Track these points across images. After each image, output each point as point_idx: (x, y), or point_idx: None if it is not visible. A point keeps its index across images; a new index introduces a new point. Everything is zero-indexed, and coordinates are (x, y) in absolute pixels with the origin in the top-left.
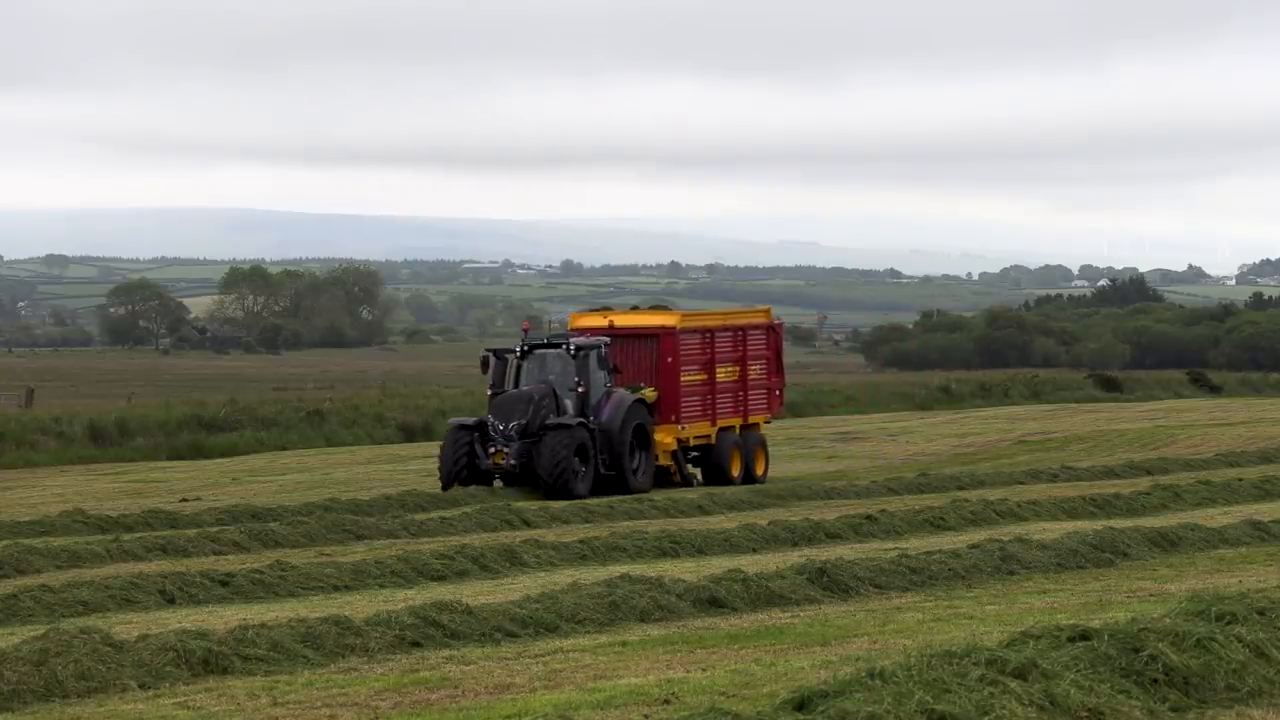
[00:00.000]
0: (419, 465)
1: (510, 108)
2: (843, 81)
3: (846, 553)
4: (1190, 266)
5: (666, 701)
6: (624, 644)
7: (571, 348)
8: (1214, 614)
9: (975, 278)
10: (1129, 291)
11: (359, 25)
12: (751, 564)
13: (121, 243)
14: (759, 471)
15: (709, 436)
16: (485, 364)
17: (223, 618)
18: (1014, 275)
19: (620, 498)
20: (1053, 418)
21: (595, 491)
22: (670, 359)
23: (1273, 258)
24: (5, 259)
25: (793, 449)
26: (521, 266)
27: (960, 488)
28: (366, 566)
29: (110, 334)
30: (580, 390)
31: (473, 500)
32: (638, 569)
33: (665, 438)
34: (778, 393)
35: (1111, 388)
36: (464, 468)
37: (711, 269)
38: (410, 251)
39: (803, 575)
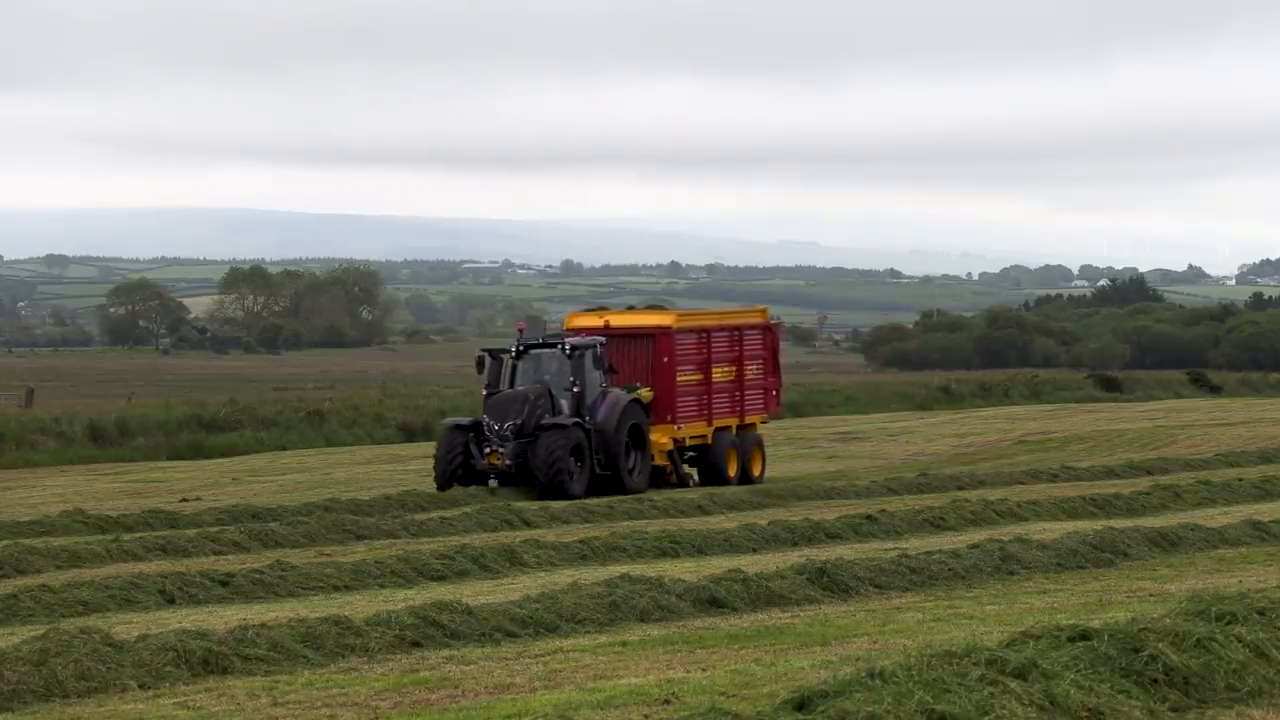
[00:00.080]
0: (419, 465)
1: (510, 108)
2: (843, 81)
3: (846, 553)
4: (1190, 266)
5: (666, 701)
6: (624, 644)
7: (567, 348)
8: (1214, 614)
9: (975, 278)
10: (1129, 291)
11: (359, 25)
12: (751, 564)
13: (121, 243)
14: (756, 472)
15: (705, 437)
16: (480, 364)
17: (223, 618)
18: (1014, 275)
19: (620, 498)
20: (1053, 418)
21: (591, 492)
22: (666, 359)
23: (1273, 258)
24: (5, 259)
25: (793, 449)
26: (521, 266)
27: (960, 488)
28: (366, 566)
29: (110, 334)
30: (576, 390)
31: (473, 500)
32: (638, 569)
33: (661, 438)
34: (775, 393)
35: (1111, 388)
36: (459, 468)
37: (711, 269)
38: (410, 251)
39: (803, 575)
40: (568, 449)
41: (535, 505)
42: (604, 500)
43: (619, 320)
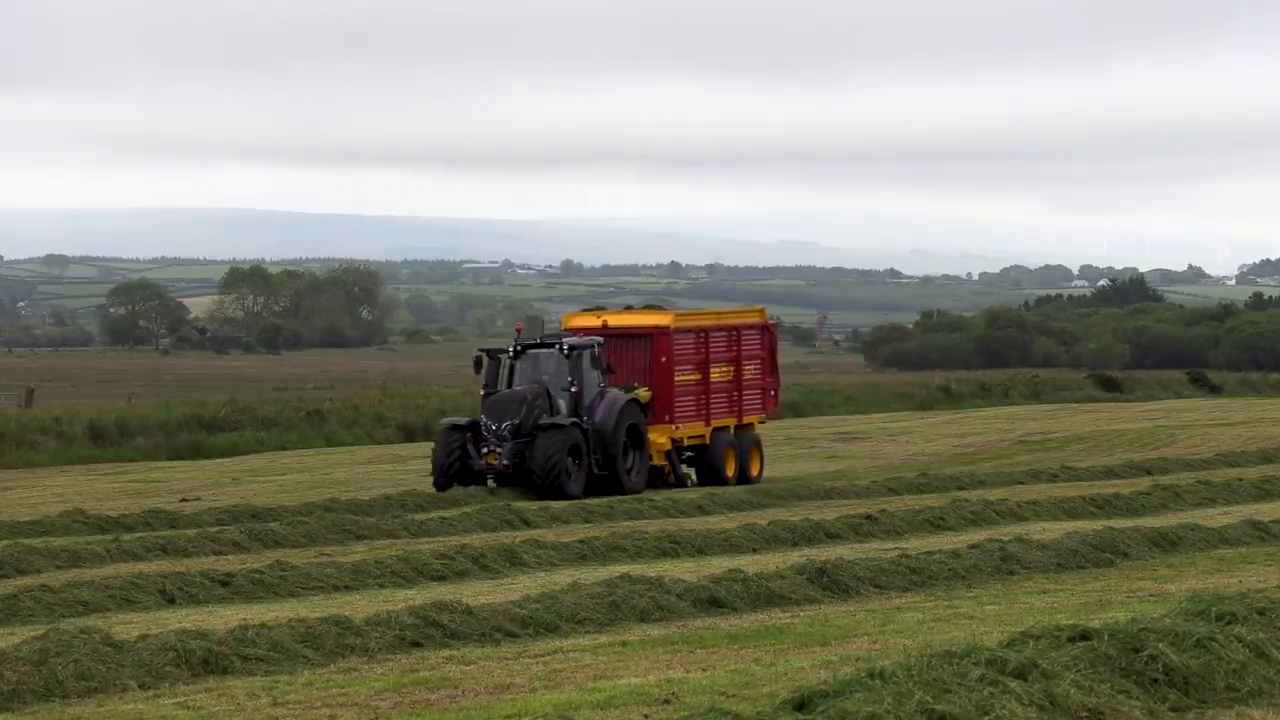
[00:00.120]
0: (419, 465)
1: (510, 108)
2: (843, 81)
3: (846, 553)
4: (1190, 266)
5: (666, 701)
6: (624, 644)
7: (565, 348)
8: (1214, 614)
9: (975, 278)
10: (1129, 291)
11: (359, 25)
12: (751, 564)
13: (121, 243)
14: (754, 472)
15: (703, 437)
16: (478, 364)
17: (223, 618)
18: (1014, 275)
19: (620, 498)
20: (1053, 418)
21: (588, 492)
22: (664, 359)
23: (1273, 258)
24: (5, 259)
25: (793, 449)
26: (521, 266)
27: (960, 488)
28: (366, 566)
29: (110, 334)
30: (573, 390)
31: (473, 500)
32: (638, 569)
33: (659, 438)
34: (772, 393)
35: (1111, 388)
36: (456, 468)
37: (711, 269)
38: (410, 251)
39: (803, 575)
40: (565, 449)
41: (535, 505)
42: (604, 500)
43: (617, 320)
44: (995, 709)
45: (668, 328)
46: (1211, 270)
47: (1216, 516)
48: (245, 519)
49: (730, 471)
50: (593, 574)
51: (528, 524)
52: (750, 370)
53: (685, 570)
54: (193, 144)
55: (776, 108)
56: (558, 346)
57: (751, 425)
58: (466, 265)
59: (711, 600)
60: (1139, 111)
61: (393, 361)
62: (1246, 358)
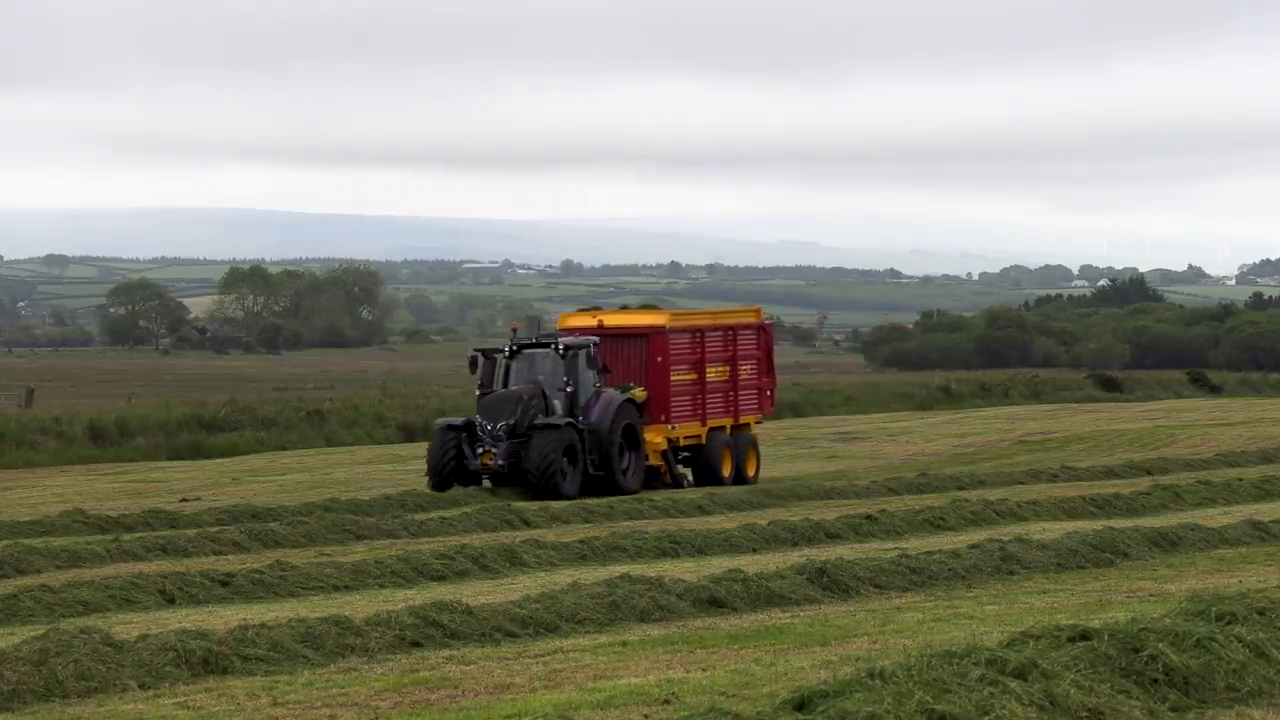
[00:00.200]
0: (419, 465)
1: (510, 108)
2: (843, 81)
3: (846, 553)
4: (1190, 266)
5: (666, 701)
6: (624, 644)
7: (560, 347)
8: (1214, 614)
9: (975, 278)
10: (1129, 291)
11: (359, 25)
12: (751, 564)
13: (121, 243)
14: (750, 472)
15: (699, 437)
16: (474, 364)
17: (223, 618)
18: (1014, 275)
19: (620, 498)
20: (1053, 418)
21: (584, 492)
22: (660, 359)
23: (1273, 258)
24: (5, 259)
25: (793, 449)
26: (521, 266)
27: (960, 488)
28: (366, 566)
29: (110, 334)
30: (569, 390)
31: (473, 500)
32: (638, 569)
33: (655, 438)
34: (769, 393)
35: (1111, 388)
36: (452, 468)
37: (711, 269)
38: (410, 251)
39: (803, 575)
40: (561, 449)
41: (535, 505)
42: (604, 500)
43: (613, 320)
44: (995, 709)
45: (663, 327)
46: (1211, 270)
47: (1216, 516)
48: (245, 519)
49: (726, 472)
50: (593, 574)
51: (528, 524)
52: (746, 370)
53: (685, 570)
54: (193, 144)
55: (776, 108)
56: (553, 346)
57: (748, 425)
58: (466, 265)
59: (711, 600)
60: (1139, 111)
61: (393, 361)
62: (1246, 358)
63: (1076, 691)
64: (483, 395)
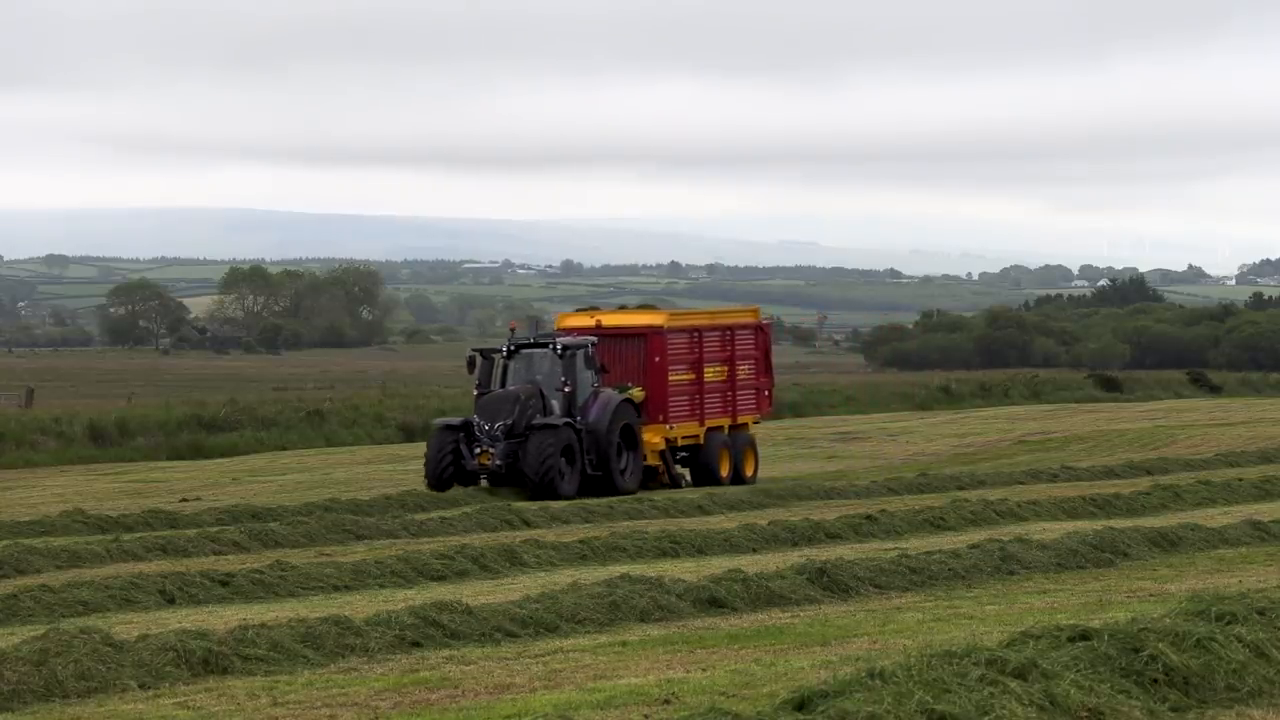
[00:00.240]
0: (419, 465)
1: (510, 108)
2: (843, 81)
3: (846, 553)
4: (1190, 266)
5: (666, 701)
6: (624, 644)
7: (558, 347)
8: (1214, 614)
9: (975, 278)
10: (1129, 291)
11: (359, 25)
12: (751, 564)
13: (121, 243)
14: (748, 472)
15: (697, 437)
16: (471, 364)
17: (223, 618)
18: (1014, 275)
19: (620, 498)
20: (1053, 418)
21: (582, 493)
22: (658, 359)
23: (1273, 258)
24: (5, 259)
25: (793, 449)
26: (521, 266)
27: (960, 488)
28: (366, 566)
29: (110, 334)
30: (567, 390)
31: (472, 500)
32: (638, 569)
33: (653, 438)
34: (766, 393)
35: (1111, 388)
36: (449, 468)
37: (711, 269)
38: (410, 251)
39: (803, 575)
40: (559, 449)
41: (535, 505)
42: (604, 500)
43: (611, 320)
44: (995, 709)
45: (661, 327)
46: (1211, 270)
47: (1216, 516)
48: (245, 519)
49: (724, 472)
50: (593, 574)
51: (528, 524)
52: (744, 370)
53: (685, 570)
54: (193, 144)
55: (776, 108)
56: (551, 346)
57: (746, 425)
58: (466, 265)
59: (711, 600)
60: (1139, 111)
61: (393, 361)
62: (1246, 358)
63: (1076, 691)
64: (480, 395)
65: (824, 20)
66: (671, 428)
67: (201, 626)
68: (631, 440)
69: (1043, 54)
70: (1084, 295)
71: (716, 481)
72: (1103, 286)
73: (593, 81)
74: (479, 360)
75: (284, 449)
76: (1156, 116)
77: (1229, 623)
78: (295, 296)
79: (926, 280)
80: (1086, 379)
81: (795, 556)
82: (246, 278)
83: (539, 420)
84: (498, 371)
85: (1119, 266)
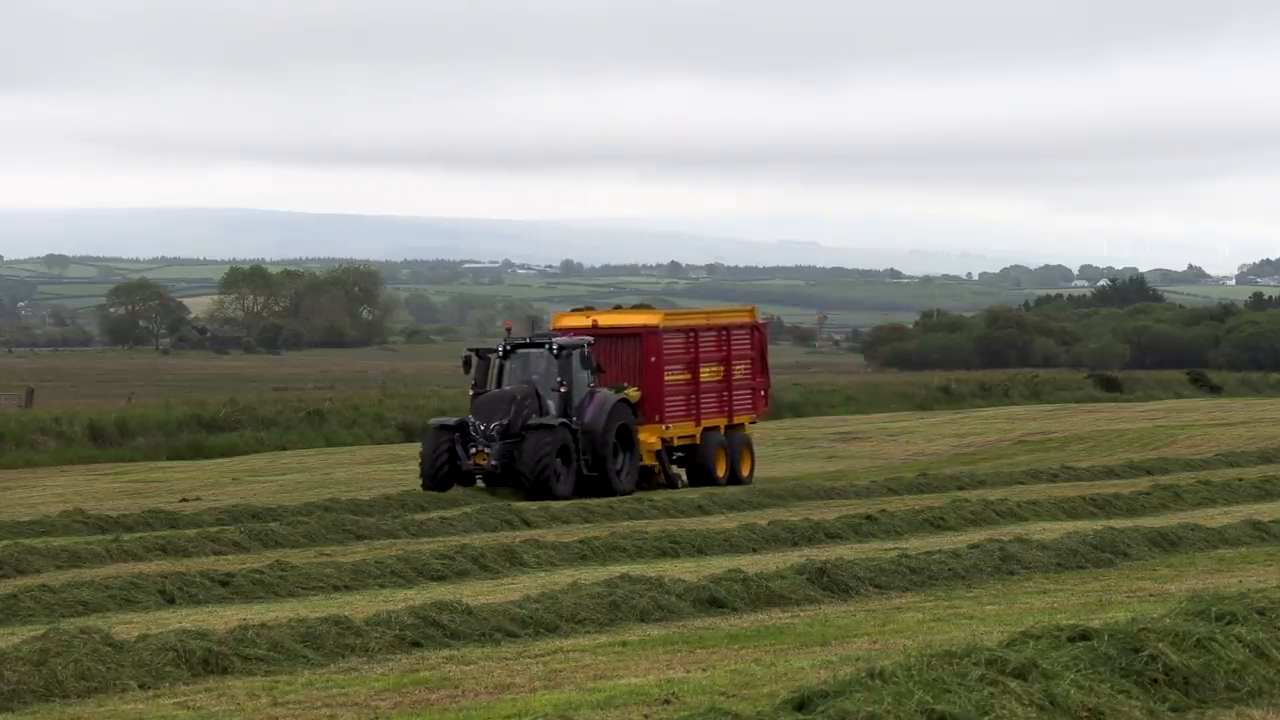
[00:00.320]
0: (418, 465)
1: (510, 108)
2: (843, 81)
3: (846, 553)
4: (1190, 266)
5: (666, 701)
6: (624, 644)
7: (554, 347)
8: (1214, 614)
9: (975, 278)
10: (1129, 291)
11: (359, 25)
12: (751, 564)
13: (121, 243)
14: (745, 472)
15: (694, 437)
16: (467, 364)
17: (223, 618)
18: (1014, 275)
19: (620, 498)
20: (1053, 418)
21: (578, 493)
22: (654, 358)
23: (1273, 258)
24: (5, 259)
25: (793, 449)
26: (521, 266)
27: (960, 488)
28: (366, 566)
29: (110, 334)
30: (563, 390)
31: (472, 500)
32: (638, 569)
33: (649, 438)
34: (763, 393)
35: (1111, 388)
36: (445, 469)
37: (711, 269)
38: (410, 251)
39: (803, 575)
40: (554, 450)
41: (535, 505)
42: (604, 500)
43: (607, 320)
44: (995, 709)
45: (657, 327)
46: (1211, 270)
47: (1216, 516)
48: (245, 519)
49: (721, 472)
50: (593, 574)
51: (528, 524)
52: (740, 370)
53: (685, 570)
54: (193, 144)
55: (776, 108)
56: (547, 346)
57: (742, 425)
58: (466, 265)
59: (711, 600)
60: (1139, 111)
61: (393, 361)
62: (1246, 358)
63: (1076, 691)
64: (476, 395)
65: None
66: (667, 428)
67: (201, 626)
68: (628, 440)
69: (1043, 54)
70: (1084, 295)
71: (713, 481)
72: (1103, 286)
73: (593, 81)
74: (475, 360)
75: (284, 449)
76: (1156, 116)
77: (1229, 623)
78: (295, 296)
79: (926, 280)
80: (1086, 379)
81: (795, 556)
82: (246, 278)
83: (535, 420)
84: (494, 371)
85: (1119, 266)
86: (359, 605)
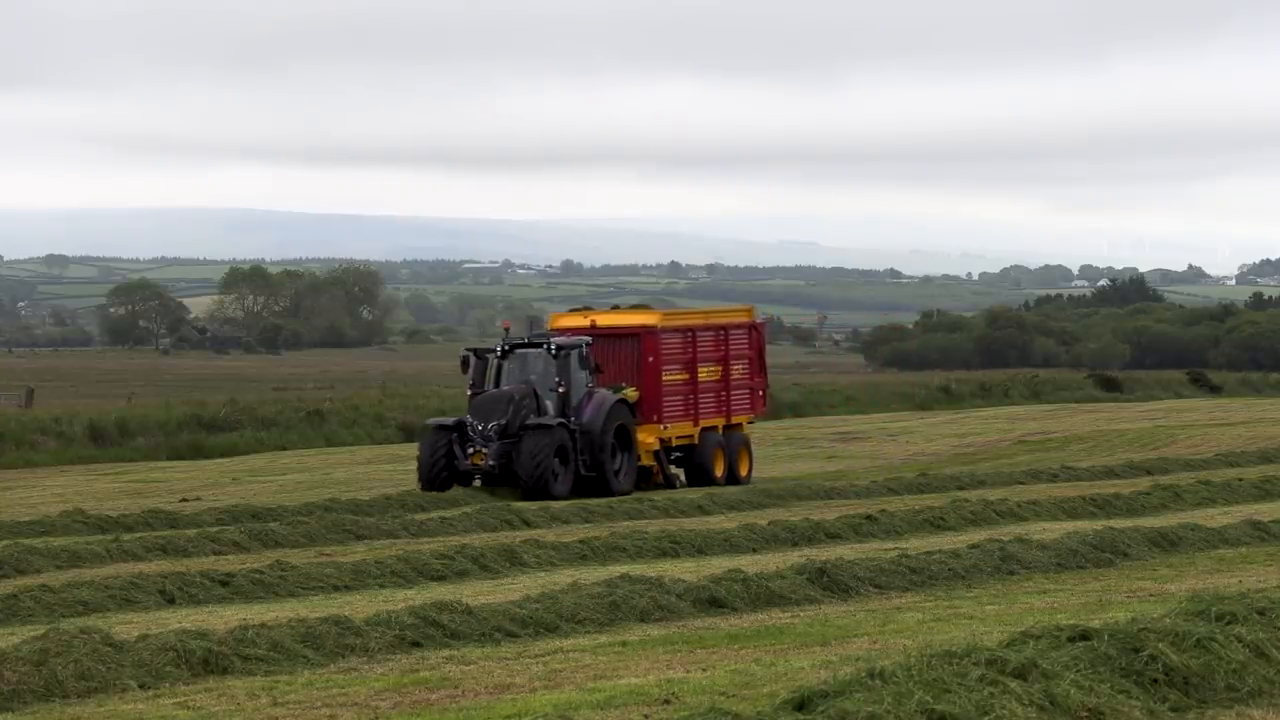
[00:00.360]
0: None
1: (510, 108)
2: (843, 81)
3: (846, 553)
4: (1190, 266)
5: (666, 701)
6: (624, 644)
7: (552, 347)
8: (1214, 614)
9: (975, 278)
10: (1129, 291)
11: (359, 25)
12: (751, 564)
13: (121, 243)
14: (743, 472)
15: (692, 436)
16: (465, 364)
17: (223, 618)
18: (1014, 275)
19: (620, 498)
20: (1053, 418)
21: (576, 493)
22: (652, 358)
23: (1273, 258)
24: (5, 259)
25: (793, 449)
26: (521, 266)
27: (960, 488)
28: (366, 566)
29: (110, 334)
30: (561, 390)
31: (472, 500)
32: (638, 569)
33: (647, 438)
34: (761, 393)
35: (1111, 388)
36: (442, 469)
37: (711, 269)
38: (410, 251)
39: (803, 575)
40: (552, 450)
41: (535, 505)
42: (604, 500)
43: (605, 320)
44: (995, 709)
45: (655, 327)
46: (1211, 270)
47: (1216, 516)
48: (245, 519)
49: (719, 472)
50: (593, 574)
51: (528, 524)
52: (738, 370)
53: (685, 570)
54: (193, 144)
55: (776, 108)
56: (545, 346)
57: (740, 425)
58: (466, 265)
59: (711, 600)
60: (1139, 111)
61: (393, 361)
62: (1246, 358)
63: (1076, 691)
64: (474, 395)
65: (824, 20)
66: (666, 428)
67: (201, 626)
68: (626, 441)
69: (1043, 54)
70: (1084, 295)
71: (711, 481)
72: (1103, 286)
73: (593, 81)
74: (473, 360)
75: (284, 449)
76: (1156, 116)
77: (1229, 623)
78: (295, 296)
79: (926, 280)
80: (1086, 379)
81: (795, 556)
82: (246, 278)
83: (533, 420)
84: (492, 371)
85: (1119, 266)
86: (359, 605)
